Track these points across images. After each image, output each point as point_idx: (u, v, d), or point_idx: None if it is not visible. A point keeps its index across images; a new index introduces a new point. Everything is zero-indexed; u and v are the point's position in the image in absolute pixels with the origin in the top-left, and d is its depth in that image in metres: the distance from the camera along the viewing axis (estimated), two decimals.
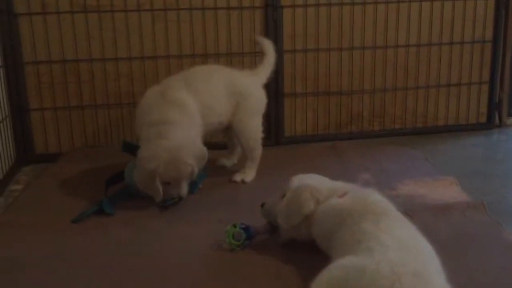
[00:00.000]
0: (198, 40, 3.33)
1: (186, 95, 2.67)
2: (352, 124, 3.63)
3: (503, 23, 3.62)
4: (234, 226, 2.09)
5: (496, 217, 2.32)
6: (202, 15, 3.30)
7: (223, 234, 2.09)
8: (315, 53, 3.47)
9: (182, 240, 2.21)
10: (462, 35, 3.60)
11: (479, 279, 1.86)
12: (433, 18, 3.55)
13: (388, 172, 2.89)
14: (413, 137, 3.59)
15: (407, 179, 2.77)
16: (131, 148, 2.66)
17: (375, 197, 1.91)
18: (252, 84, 2.87)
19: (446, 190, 2.63)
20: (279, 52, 3.38)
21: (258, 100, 2.89)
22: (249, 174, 2.86)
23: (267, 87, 3.03)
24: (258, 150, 2.88)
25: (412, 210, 2.31)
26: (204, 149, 2.61)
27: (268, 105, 3.03)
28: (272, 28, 3.36)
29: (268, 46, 2.98)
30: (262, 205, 2.19)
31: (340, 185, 2.07)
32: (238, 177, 2.84)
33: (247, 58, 3.38)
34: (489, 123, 3.76)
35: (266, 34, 3.35)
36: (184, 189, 2.51)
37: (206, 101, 2.71)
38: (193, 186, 2.62)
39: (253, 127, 2.85)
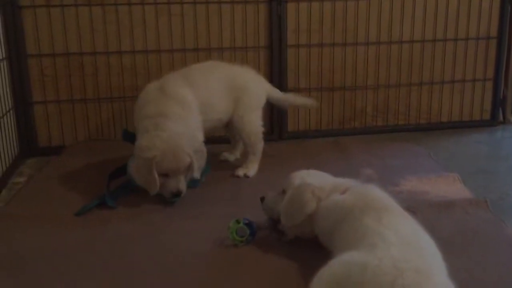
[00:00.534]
0: (202, 34, 3.32)
1: (186, 90, 2.68)
2: (355, 119, 3.62)
3: (508, 20, 3.60)
4: (237, 221, 2.08)
5: (499, 214, 2.32)
6: (205, 9, 3.29)
7: (225, 229, 2.09)
8: (319, 48, 3.46)
9: (185, 234, 2.21)
10: (467, 31, 3.59)
11: (481, 275, 1.86)
12: (438, 14, 3.53)
13: (391, 168, 2.88)
14: (417, 133, 3.58)
15: (410, 175, 2.76)
16: (132, 137, 2.65)
17: (376, 193, 1.91)
18: (252, 79, 2.88)
19: (449, 187, 2.62)
20: (283, 47, 3.38)
21: (259, 94, 2.90)
22: (251, 169, 2.86)
23: (271, 82, 3.03)
24: (259, 144, 2.88)
25: (415, 207, 2.31)
26: (203, 144, 2.60)
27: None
28: (276, 23, 3.35)
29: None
30: (262, 199, 2.18)
31: (341, 181, 2.06)
32: (240, 172, 2.84)
33: (251, 53, 3.38)
34: (493, 120, 3.75)
35: (270, 29, 3.34)
36: (183, 183, 2.49)
37: (206, 97, 2.72)
38: (195, 180, 2.61)
39: (254, 122, 2.85)
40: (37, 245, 2.12)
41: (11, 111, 3.11)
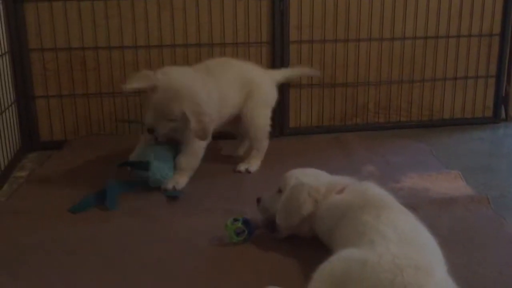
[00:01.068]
0: (204, 29, 3.32)
1: (209, 80, 2.70)
2: (357, 116, 3.62)
3: (511, 17, 3.59)
4: (236, 220, 2.07)
5: (500, 211, 2.31)
6: (208, 4, 3.28)
7: (223, 227, 2.08)
8: (321, 44, 3.46)
9: (186, 230, 2.21)
10: (470, 28, 3.58)
11: (482, 273, 1.86)
12: (440, 10, 3.52)
13: (392, 165, 2.88)
14: (419, 130, 3.58)
15: (411, 172, 2.76)
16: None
17: (374, 190, 1.91)
18: (263, 77, 2.92)
19: (450, 184, 2.62)
20: (285, 43, 3.37)
21: (269, 92, 2.93)
22: (253, 164, 2.86)
23: None
24: (264, 141, 2.89)
25: (416, 203, 2.31)
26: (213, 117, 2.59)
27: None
28: (279, 19, 3.34)
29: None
30: (258, 201, 2.17)
31: (337, 179, 2.05)
32: (242, 167, 2.85)
33: (253, 48, 3.37)
34: (495, 117, 3.74)
35: (273, 25, 3.34)
36: (161, 128, 2.53)
37: (224, 91, 2.73)
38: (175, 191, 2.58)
39: (262, 117, 2.87)
40: (39, 240, 2.12)
41: (13, 105, 3.11)
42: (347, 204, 1.86)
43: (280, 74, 3.09)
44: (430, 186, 2.59)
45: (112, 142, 3.22)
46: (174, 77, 2.56)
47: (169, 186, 2.56)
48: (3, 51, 2.97)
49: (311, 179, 2.03)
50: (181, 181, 2.59)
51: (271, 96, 2.95)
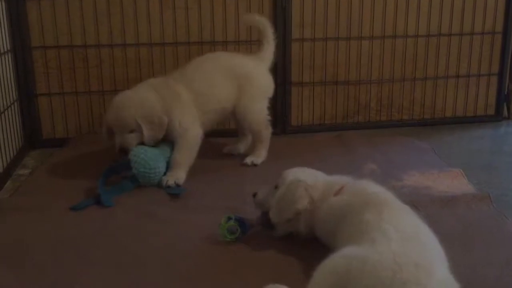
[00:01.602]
0: (206, 27, 3.32)
1: (178, 86, 2.73)
2: (359, 114, 3.62)
3: None
4: (229, 218, 2.06)
5: (502, 209, 2.31)
6: (210, 2, 3.29)
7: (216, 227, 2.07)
8: (323, 42, 3.46)
9: (187, 227, 2.21)
10: (472, 26, 3.57)
11: (484, 271, 1.86)
12: (443, 8, 3.52)
13: (394, 163, 2.88)
14: (420, 128, 3.58)
15: (413, 170, 2.76)
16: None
17: (373, 188, 1.91)
18: (256, 68, 2.89)
19: (452, 182, 2.62)
20: (287, 40, 3.37)
21: (263, 84, 2.90)
22: (258, 156, 2.88)
23: (274, 75, 3.02)
24: (264, 131, 2.90)
25: (418, 202, 2.31)
26: (164, 118, 2.65)
27: (275, 93, 3.04)
28: (281, 16, 3.34)
29: (266, 27, 2.98)
30: (254, 195, 2.17)
31: (334, 179, 2.05)
32: (248, 160, 2.87)
33: (255, 46, 3.36)
34: (497, 116, 3.74)
35: (275, 23, 3.33)
36: (128, 142, 2.62)
37: (201, 88, 2.75)
38: (177, 188, 2.58)
39: (256, 112, 2.86)
40: (41, 236, 2.13)
41: (15, 103, 3.12)
42: (347, 205, 1.86)
43: (269, 56, 2.97)
44: (432, 184, 2.59)
45: (114, 139, 3.22)
46: (120, 96, 2.71)
47: (171, 182, 2.56)
48: (5, 49, 2.98)
49: (309, 177, 2.03)
50: (180, 175, 2.61)
51: (266, 87, 2.93)
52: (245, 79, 2.83)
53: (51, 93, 3.28)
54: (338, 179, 2.04)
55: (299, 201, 1.97)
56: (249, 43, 3.36)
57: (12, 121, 3.03)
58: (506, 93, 3.73)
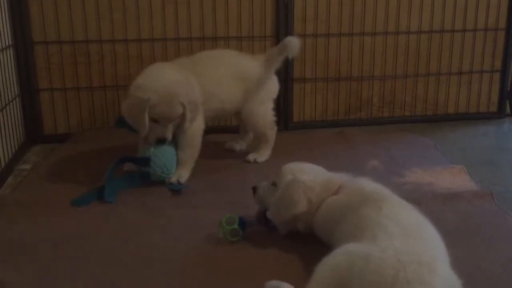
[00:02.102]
0: (208, 23, 3.31)
1: (191, 74, 2.66)
2: (361, 110, 3.61)
3: None
4: (230, 218, 2.03)
5: (504, 206, 2.31)
6: None
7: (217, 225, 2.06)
8: (325, 38, 3.45)
9: (189, 223, 2.21)
10: (475, 23, 3.56)
11: (486, 268, 1.85)
12: (446, 4, 3.51)
13: (396, 160, 2.88)
14: (423, 125, 3.57)
15: (415, 166, 2.75)
16: (125, 124, 2.60)
17: (372, 186, 1.91)
18: (262, 71, 2.83)
19: (454, 179, 2.62)
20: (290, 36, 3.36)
21: (269, 87, 2.88)
22: (262, 155, 2.88)
23: (277, 71, 3.01)
24: (269, 132, 2.89)
25: (420, 198, 2.30)
26: (199, 102, 2.57)
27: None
28: (283, 12, 3.33)
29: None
30: (254, 189, 2.16)
31: (333, 177, 2.03)
32: (251, 157, 2.87)
33: (257, 42, 3.36)
34: (500, 112, 3.73)
35: (277, 18, 3.33)
36: (169, 131, 2.49)
37: (209, 86, 2.70)
38: (178, 185, 2.56)
39: (262, 115, 2.84)
40: (43, 232, 2.13)
41: (17, 98, 3.11)
42: (345, 204, 1.85)
43: (277, 59, 2.86)
44: (434, 181, 2.59)
45: (116, 135, 3.21)
46: (163, 82, 2.49)
47: (173, 179, 2.56)
48: (7, 44, 2.97)
49: (307, 177, 2.00)
50: (183, 174, 2.60)
51: (272, 90, 2.90)
52: (252, 82, 2.79)
53: (52, 88, 3.28)
54: (337, 177, 2.02)
55: (297, 205, 1.95)
56: (251, 39, 3.35)
57: (14, 116, 3.03)
58: (509, 90, 3.71)
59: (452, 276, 1.51)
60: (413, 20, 3.50)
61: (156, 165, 2.52)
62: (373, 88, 3.58)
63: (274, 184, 2.08)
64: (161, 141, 2.49)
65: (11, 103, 2.98)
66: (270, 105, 2.90)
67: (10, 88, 3.00)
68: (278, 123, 3.03)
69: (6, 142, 2.84)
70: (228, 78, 2.76)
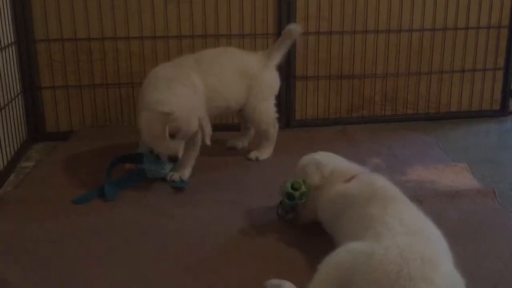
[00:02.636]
0: (210, 20, 3.31)
1: (196, 74, 2.65)
2: (363, 108, 3.61)
3: None
4: (295, 182, 2.06)
5: (507, 204, 2.31)
6: None
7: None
8: (328, 36, 3.44)
9: (191, 221, 2.21)
10: (478, 20, 3.55)
11: (488, 266, 1.85)
12: (448, 2, 3.50)
13: (398, 157, 2.87)
14: (425, 123, 3.57)
15: (417, 164, 2.75)
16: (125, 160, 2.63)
17: (382, 182, 1.91)
18: (264, 67, 2.84)
19: (456, 177, 2.61)
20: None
21: (270, 84, 2.87)
22: (264, 153, 2.87)
23: (279, 69, 3.01)
24: (272, 129, 2.88)
25: (422, 196, 2.30)
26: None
27: (280, 87, 3.02)
28: (285, 10, 3.32)
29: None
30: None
31: (351, 167, 2.06)
32: (253, 155, 2.87)
33: (259, 40, 3.36)
34: (503, 111, 3.72)
35: (279, 16, 3.32)
36: (182, 149, 2.45)
37: (214, 84, 2.69)
38: (182, 182, 2.57)
39: (264, 112, 2.84)
40: (44, 229, 2.13)
41: (19, 96, 3.12)
42: (353, 194, 1.85)
43: (277, 54, 2.90)
44: (437, 179, 2.58)
45: (118, 133, 3.22)
46: (181, 96, 2.47)
47: (176, 177, 2.55)
48: (9, 42, 2.97)
49: (321, 156, 2.10)
50: (185, 172, 2.59)
51: (273, 86, 2.90)
52: (255, 79, 2.79)
53: (55, 86, 3.28)
54: (354, 168, 2.05)
55: (310, 176, 2.03)
56: (253, 37, 3.35)
57: (16, 114, 3.03)
58: (511, 88, 3.70)
59: (455, 274, 1.51)
60: (416, 18, 3.49)
61: (150, 161, 2.53)
62: (375, 86, 3.58)
63: None
64: (173, 158, 2.45)
65: (13, 101, 2.98)
66: (272, 101, 2.90)
67: (12, 86, 3.00)
68: (280, 121, 3.02)
69: (9, 140, 2.84)
70: (231, 75, 2.76)
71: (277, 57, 2.89)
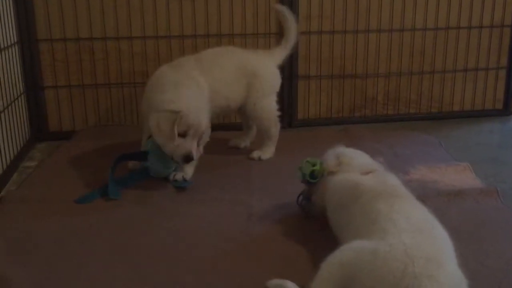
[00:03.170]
0: (213, 20, 3.31)
1: (198, 74, 2.66)
2: (366, 107, 3.60)
3: None
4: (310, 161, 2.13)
5: (509, 203, 2.30)
6: None
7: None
8: (330, 36, 3.44)
9: (193, 219, 2.21)
10: (481, 19, 3.54)
11: (491, 265, 1.85)
12: (451, 1, 3.49)
13: (401, 157, 2.87)
14: (428, 122, 3.56)
15: (420, 164, 2.75)
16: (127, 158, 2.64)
17: (395, 181, 1.92)
18: (264, 65, 2.85)
19: (459, 176, 2.61)
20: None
21: (271, 80, 2.88)
22: (266, 152, 2.87)
23: (281, 68, 3.01)
24: (273, 128, 2.88)
25: (425, 195, 2.29)
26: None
27: (282, 87, 3.03)
28: (288, 9, 3.31)
29: (290, 24, 2.94)
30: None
31: (371, 162, 2.08)
32: (255, 154, 2.87)
33: (262, 39, 3.36)
34: (506, 110, 3.71)
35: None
36: (195, 149, 2.46)
37: (215, 84, 2.70)
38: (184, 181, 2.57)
39: (266, 109, 2.84)
40: (47, 228, 2.14)
41: (22, 96, 3.12)
42: (364, 185, 1.86)
43: (283, 51, 2.95)
44: (439, 178, 2.58)
45: (121, 132, 3.23)
46: (190, 95, 2.52)
47: (178, 176, 2.56)
48: (12, 42, 2.98)
49: (346, 150, 2.14)
50: (188, 171, 2.59)
51: (274, 83, 2.90)
52: (254, 76, 2.80)
53: (57, 85, 3.28)
54: (374, 165, 2.06)
55: (327, 161, 2.07)
56: (255, 36, 3.35)
57: (19, 114, 3.04)
58: None
59: (460, 274, 1.51)
60: (418, 17, 3.49)
61: (154, 159, 2.53)
62: (378, 86, 3.57)
63: None
64: (187, 158, 2.44)
65: (16, 101, 2.99)
66: (274, 98, 2.90)
67: (15, 85, 3.00)
68: (282, 120, 3.02)
69: (12, 139, 2.85)
70: (231, 74, 2.77)
71: (280, 56, 2.91)
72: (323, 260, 1.59)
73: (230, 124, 3.34)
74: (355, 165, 2.02)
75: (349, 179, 1.94)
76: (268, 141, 2.89)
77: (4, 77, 2.80)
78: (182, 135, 2.42)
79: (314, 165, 2.11)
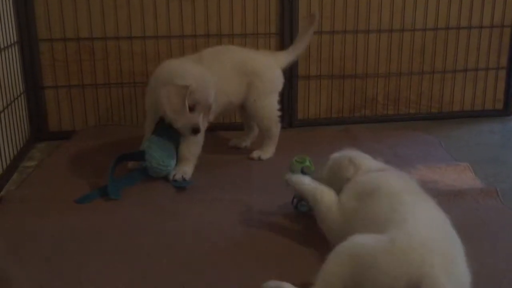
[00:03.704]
0: (213, 20, 3.31)
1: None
2: (366, 108, 3.60)
3: None
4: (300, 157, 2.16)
5: (510, 203, 2.30)
6: None
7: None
8: (330, 35, 3.44)
9: (193, 219, 2.21)
10: (481, 19, 3.54)
11: (491, 265, 1.85)
12: (451, 1, 3.49)
13: (401, 157, 2.87)
14: (428, 122, 3.56)
15: (420, 164, 2.75)
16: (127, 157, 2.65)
17: (407, 178, 1.93)
18: (266, 64, 2.85)
19: (459, 176, 2.61)
20: (294, 34, 3.35)
21: (272, 79, 2.88)
22: (266, 152, 2.88)
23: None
24: (274, 128, 2.88)
25: None
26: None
27: (282, 87, 3.02)
28: (288, 9, 3.32)
29: (307, 36, 3.00)
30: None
31: (379, 163, 2.09)
32: (255, 154, 2.87)
33: (262, 39, 3.36)
34: (506, 110, 3.71)
35: (282, 15, 3.32)
36: (201, 122, 2.53)
37: (217, 82, 2.69)
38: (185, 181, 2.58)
39: (267, 107, 2.85)
40: (47, 228, 2.14)
41: (22, 96, 3.12)
42: (381, 180, 1.86)
43: (288, 56, 2.99)
44: (439, 178, 2.58)
45: (121, 132, 3.23)
46: (194, 71, 2.56)
47: (178, 176, 2.56)
48: (12, 41, 2.98)
49: (354, 153, 2.12)
50: (188, 170, 2.60)
51: (275, 82, 2.91)
52: (254, 75, 2.80)
53: (57, 85, 3.28)
54: (382, 165, 2.07)
55: (345, 169, 2.03)
56: (255, 36, 3.35)
57: (19, 114, 3.04)
58: None
59: (468, 275, 1.51)
60: (419, 17, 3.49)
61: (152, 158, 2.53)
62: (378, 86, 3.57)
63: None
64: (195, 130, 2.51)
65: (16, 101, 2.99)
66: (275, 98, 2.90)
67: (15, 85, 3.00)
68: (282, 120, 3.02)
69: (11, 139, 2.85)
70: (232, 71, 2.78)
71: (285, 60, 2.96)
72: (323, 261, 1.57)
73: (230, 124, 3.34)
74: (365, 168, 2.02)
75: (369, 175, 1.95)
76: (269, 141, 2.89)
77: (4, 77, 2.80)
78: (191, 108, 2.49)
79: (303, 162, 2.12)
